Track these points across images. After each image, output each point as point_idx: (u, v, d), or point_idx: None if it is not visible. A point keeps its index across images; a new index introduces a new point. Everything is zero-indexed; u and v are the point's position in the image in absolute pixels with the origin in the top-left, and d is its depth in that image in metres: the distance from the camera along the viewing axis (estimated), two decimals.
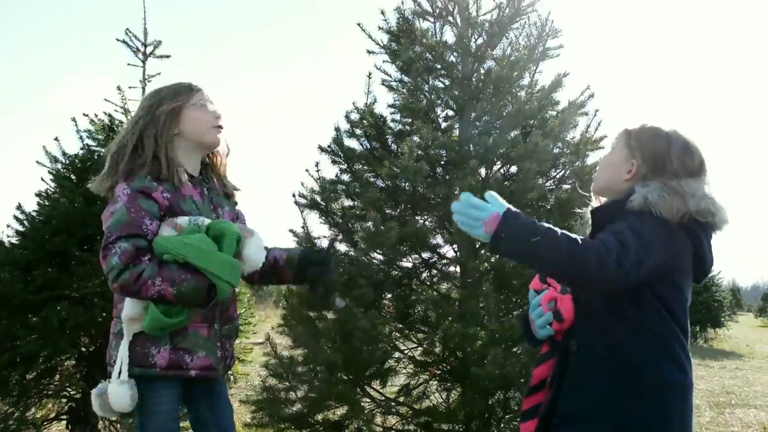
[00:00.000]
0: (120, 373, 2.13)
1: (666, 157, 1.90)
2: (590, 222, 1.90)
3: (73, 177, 4.65)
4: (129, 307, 2.13)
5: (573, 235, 1.59)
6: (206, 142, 2.29)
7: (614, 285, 1.67)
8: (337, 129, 3.81)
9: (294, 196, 3.73)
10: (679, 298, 1.79)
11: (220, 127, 2.30)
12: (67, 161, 4.70)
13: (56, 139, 4.66)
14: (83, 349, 4.62)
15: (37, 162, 4.66)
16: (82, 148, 4.75)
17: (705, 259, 1.82)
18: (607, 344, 1.78)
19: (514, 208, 1.58)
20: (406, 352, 3.78)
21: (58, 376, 4.63)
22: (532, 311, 1.89)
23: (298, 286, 2.89)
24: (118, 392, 2.11)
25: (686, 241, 1.76)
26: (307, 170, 3.79)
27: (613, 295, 1.77)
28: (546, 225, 1.58)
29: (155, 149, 2.17)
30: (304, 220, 3.68)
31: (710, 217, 1.75)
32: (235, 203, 2.48)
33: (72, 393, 4.63)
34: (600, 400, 1.76)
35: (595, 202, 1.99)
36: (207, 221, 2.17)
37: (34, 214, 4.55)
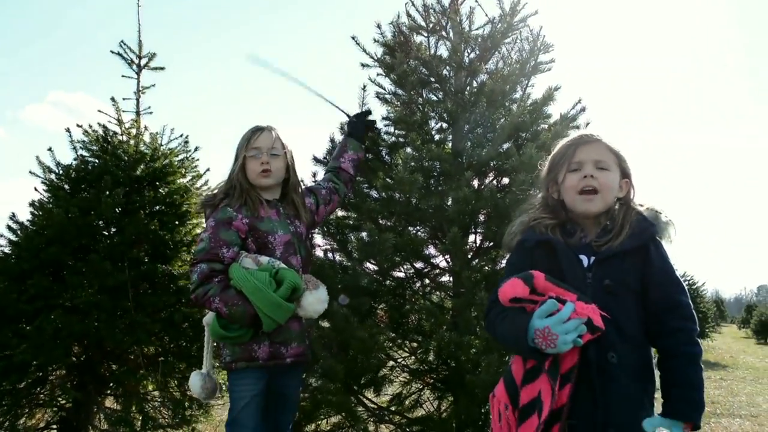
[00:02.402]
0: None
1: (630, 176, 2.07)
2: (620, 231, 1.93)
3: (67, 187, 4.65)
4: (208, 315, 2.78)
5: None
6: (259, 186, 2.85)
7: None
8: (332, 140, 3.85)
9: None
10: None
11: (266, 171, 2.82)
12: (61, 171, 4.70)
13: (50, 149, 4.68)
14: (74, 358, 4.60)
15: (30, 172, 4.67)
16: (75, 159, 4.76)
17: None
18: (641, 357, 1.87)
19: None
20: (399, 360, 3.81)
21: (49, 386, 4.60)
22: (555, 323, 1.71)
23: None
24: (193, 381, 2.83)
25: None
26: (302, 181, 3.81)
27: (641, 311, 1.89)
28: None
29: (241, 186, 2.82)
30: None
31: None
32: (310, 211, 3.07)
33: (63, 402, 4.60)
34: (643, 410, 1.83)
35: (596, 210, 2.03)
36: (282, 265, 2.68)
37: (27, 223, 4.55)
